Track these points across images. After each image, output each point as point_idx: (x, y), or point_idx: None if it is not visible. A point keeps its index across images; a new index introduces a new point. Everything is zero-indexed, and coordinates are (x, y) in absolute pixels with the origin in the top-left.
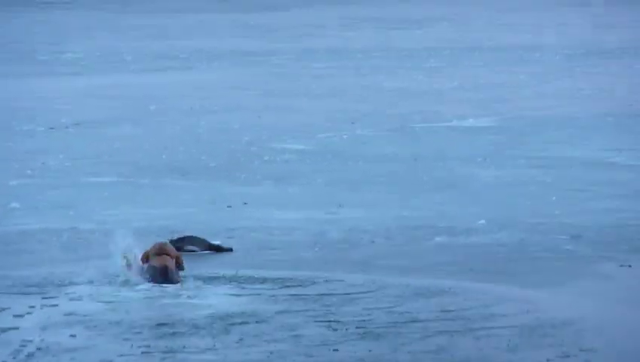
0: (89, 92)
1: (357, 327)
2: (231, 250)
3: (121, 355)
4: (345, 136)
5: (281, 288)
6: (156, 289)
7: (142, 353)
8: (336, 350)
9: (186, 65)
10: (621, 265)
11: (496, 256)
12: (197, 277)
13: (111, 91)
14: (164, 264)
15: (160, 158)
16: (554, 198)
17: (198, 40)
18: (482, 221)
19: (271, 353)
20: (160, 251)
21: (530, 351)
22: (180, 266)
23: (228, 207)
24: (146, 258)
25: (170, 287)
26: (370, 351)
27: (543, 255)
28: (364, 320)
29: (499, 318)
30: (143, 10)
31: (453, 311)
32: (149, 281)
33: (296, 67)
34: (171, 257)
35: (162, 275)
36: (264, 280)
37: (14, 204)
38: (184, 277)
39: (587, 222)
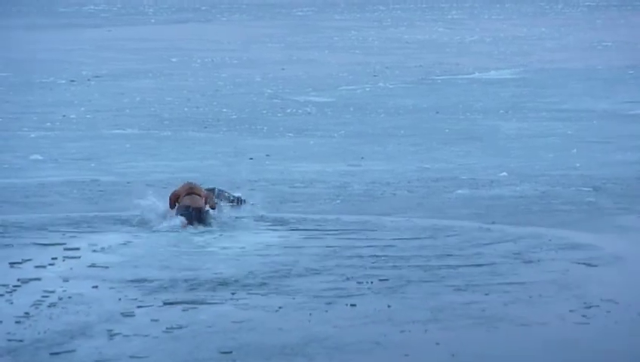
0: (110, 44)
1: (380, 280)
2: (244, 201)
3: (142, 306)
4: (367, 89)
5: (304, 238)
6: (183, 236)
7: (164, 304)
8: (354, 305)
9: (207, 17)
10: None
11: (517, 208)
12: (222, 224)
13: (132, 44)
14: (197, 205)
15: (181, 111)
16: (575, 150)
17: None
18: (504, 173)
19: (279, 308)
20: (190, 191)
21: (554, 303)
22: (211, 206)
23: (250, 159)
24: (175, 198)
25: (197, 233)
26: (389, 306)
27: (565, 207)
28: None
29: (524, 271)
30: None
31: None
32: (181, 222)
33: (318, 20)
34: (201, 197)
35: (196, 216)
36: (287, 229)
37: (35, 156)
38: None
39: (608, 175)
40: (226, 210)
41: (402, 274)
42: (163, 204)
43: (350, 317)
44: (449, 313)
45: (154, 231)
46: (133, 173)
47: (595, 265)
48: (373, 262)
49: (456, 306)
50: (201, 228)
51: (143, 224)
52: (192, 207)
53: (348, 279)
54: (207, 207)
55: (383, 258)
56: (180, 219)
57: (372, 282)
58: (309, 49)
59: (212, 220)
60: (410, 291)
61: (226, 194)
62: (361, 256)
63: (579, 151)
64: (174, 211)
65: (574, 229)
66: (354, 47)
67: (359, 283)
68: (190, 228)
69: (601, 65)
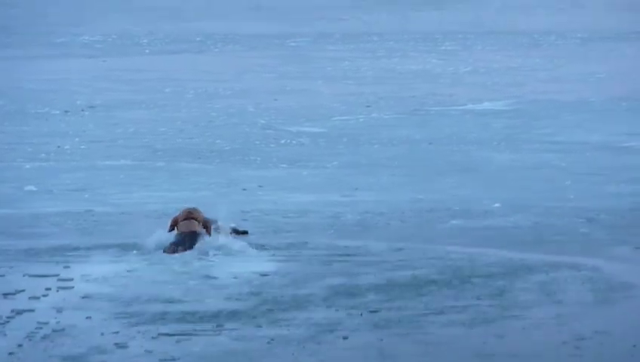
0: (104, 75)
1: (370, 311)
2: (246, 233)
3: (136, 337)
4: (360, 119)
5: (295, 267)
6: (177, 265)
7: (157, 335)
8: (346, 338)
9: (201, 48)
10: (636, 248)
11: (511, 239)
12: (216, 251)
13: (126, 74)
14: (192, 229)
15: (175, 142)
16: (568, 182)
17: (212, 22)
18: (497, 204)
19: (271, 340)
20: (188, 216)
21: (547, 335)
22: (208, 231)
23: (243, 190)
24: (174, 223)
25: (189, 263)
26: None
27: (558, 238)
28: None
29: (518, 303)
30: None
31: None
32: (177, 247)
33: (312, 50)
34: (199, 222)
35: (188, 241)
36: (280, 258)
37: (29, 187)
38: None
39: (601, 206)
40: (223, 238)
41: (395, 306)
42: (162, 231)
43: (341, 350)
44: (442, 347)
45: (148, 261)
46: (127, 204)
47: (589, 297)
48: (366, 292)
49: (449, 340)
50: (192, 252)
51: (138, 252)
52: (185, 232)
53: (337, 310)
54: (203, 231)
55: (376, 288)
56: (167, 246)
57: (362, 314)
58: (302, 79)
59: (204, 245)
60: (403, 323)
61: (226, 226)
62: (355, 286)
63: (572, 183)
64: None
65: (567, 260)
66: (347, 78)
67: (350, 314)
68: (183, 254)
69: (594, 97)
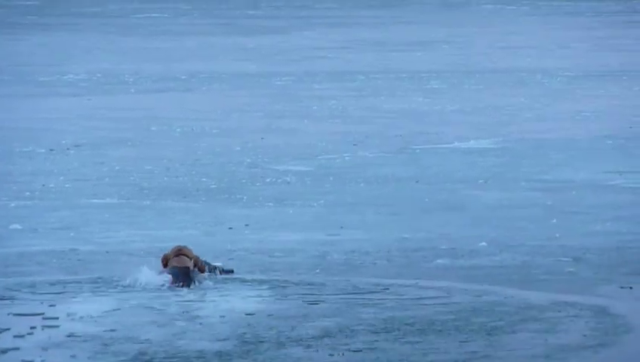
0: (90, 113)
1: (353, 351)
2: (232, 271)
3: None
4: (346, 158)
5: (280, 307)
6: (164, 303)
7: None
8: None
9: (187, 87)
10: (622, 287)
11: (497, 278)
12: (206, 289)
13: (112, 113)
14: (184, 265)
15: (161, 180)
16: (555, 221)
17: (198, 63)
18: (483, 243)
19: None
20: (178, 253)
21: None
22: (199, 268)
23: (229, 228)
24: (165, 261)
25: (178, 301)
26: None
27: (545, 277)
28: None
29: (506, 343)
30: (144, 33)
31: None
32: (170, 283)
33: (298, 89)
34: (189, 258)
35: (183, 276)
36: (263, 298)
37: (14, 226)
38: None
39: (588, 245)
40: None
41: (380, 346)
42: (148, 269)
43: None
44: None
45: (134, 300)
46: (113, 243)
47: (575, 335)
48: (351, 332)
49: None
50: (186, 289)
51: (124, 291)
52: (179, 267)
53: (321, 350)
54: (195, 269)
55: (362, 328)
56: (168, 277)
57: (343, 354)
58: (289, 118)
59: (198, 282)
60: None
61: (214, 266)
62: (341, 326)
63: (558, 222)
64: (164, 273)
65: (554, 300)
66: (333, 116)
67: (334, 354)
68: (176, 289)
69: (580, 136)
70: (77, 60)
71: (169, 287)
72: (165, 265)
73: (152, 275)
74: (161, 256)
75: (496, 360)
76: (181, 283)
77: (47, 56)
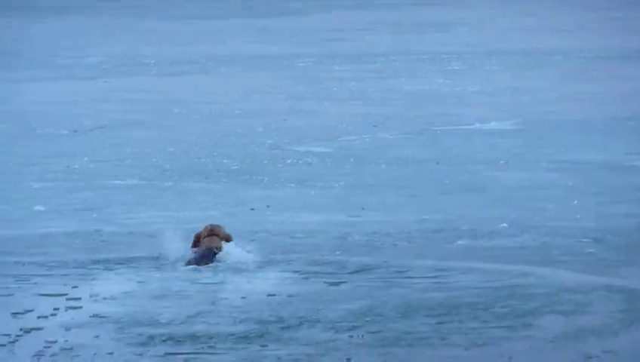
0: (111, 96)
1: (373, 332)
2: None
3: (143, 356)
4: (367, 139)
5: (302, 288)
6: (185, 284)
7: (165, 354)
8: (349, 359)
9: (206, 69)
10: None
11: (518, 259)
12: (227, 269)
13: (131, 95)
14: (210, 246)
15: (182, 161)
16: (575, 202)
17: (217, 45)
18: (504, 224)
19: (279, 359)
20: (210, 233)
21: (554, 354)
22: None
23: (250, 209)
24: (197, 239)
25: (199, 281)
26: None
27: (565, 258)
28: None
29: (526, 323)
30: (162, 16)
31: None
32: (201, 259)
33: (318, 71)
34: (220, 238)
35: (205, 257)
36: (285, 279)
37: (37, 207)
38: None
39: (608, 226)
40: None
41: (401, 327)
42: (172, 248)
43: None
44: None
45: (157, 281)
46: (135, 224)
47: (596, 317)
48: (373, 313)
49: (455, 361)
50: (202, 272)
51: (147, 271)
52: (203, 248)
53: (343, 331)
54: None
55: (384, 309)
56: (187, 260)
57: (362, 336)
58: (309, 99)
59: (222, 259)
60: (408, 345)
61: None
62: (362, 307)
63: (579, 203)
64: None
65: (574, 281)
66: (354, 98)
67: (355, 335)
68: (198, 270)
69: (600, 117)
70: (95, 43)
71: (193, 268)
72: (195, 243)
73: (174, 259)
74: (194, 235)
75: (516, 342)
76: (204, 264)
77: (66, 39)
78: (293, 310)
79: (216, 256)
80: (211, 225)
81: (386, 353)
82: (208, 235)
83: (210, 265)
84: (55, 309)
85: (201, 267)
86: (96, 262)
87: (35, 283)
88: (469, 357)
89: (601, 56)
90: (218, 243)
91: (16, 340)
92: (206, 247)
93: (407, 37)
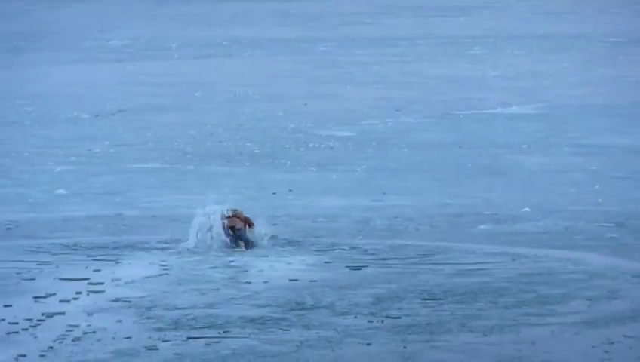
0: (133, 79)
1: (393, 318)
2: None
3: (166, 341)
4: (389, 123)
5: (324, 273)
6: (206, 268)
7: (187, 338)
8: (369, 344)
9: (229, 52)
10: None
11: (540, 243)
12: (250, 253)
13: (156, 78)
14: (232, 224)
15: (205, 145)
16: (597, 186)
17: (239, 29)
18: (526, 208)
19: (300, 343)
20: (231, 215)
21: (576, 339)
22: (248, 224)
23: (272, 193)
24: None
25: (221, 266)
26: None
27: (587, 243)
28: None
29: (547, 308)
30: (183, 0)
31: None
32: (222, 241)
33: (340, 55)
34: (241, 220)
35: (232, 234)
36: (307, 264)
37: (60, 191)
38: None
39: (631, 211)
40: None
41: (421, 312)
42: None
43: (367, 354)
44: (469, 353)
45: (178, 265)
46: (157, 208)
47: (618, 301)
48: (395, 298)
49: (475, 346)
50: (225, 256)
51: (169, 256)
52: (228, 226)
53: (364, 315)
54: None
55: (406, 294)
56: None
57: (382, 321)
58: (331, 84)
59: (250, 240)
60: (429, 330)
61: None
62: (384, 292)
63: (601, 187)
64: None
65: (596, 265)
66: (376, 82)
67: (376, 319)
68: (221, 255)
69: (623, 101)
70: (119, 27)
71: (215, 252)
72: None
73: (195, 244)
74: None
75: (537, 328)
76: (232, 243)
77: (90, 23)
78: (314, 295)
79: (238, 235)
80: (233, 210)
81: (406, 338)
82: (229, 217)
83: (233, 245)
84: (77, 293)
85: (224, 247)
86: (118, 246)
87: (57, 267)
88: (488, 343)
89: (623, 40)
90: (239, 224)
91: (39, 324)
92: (228, 227)
93: (430, 21)
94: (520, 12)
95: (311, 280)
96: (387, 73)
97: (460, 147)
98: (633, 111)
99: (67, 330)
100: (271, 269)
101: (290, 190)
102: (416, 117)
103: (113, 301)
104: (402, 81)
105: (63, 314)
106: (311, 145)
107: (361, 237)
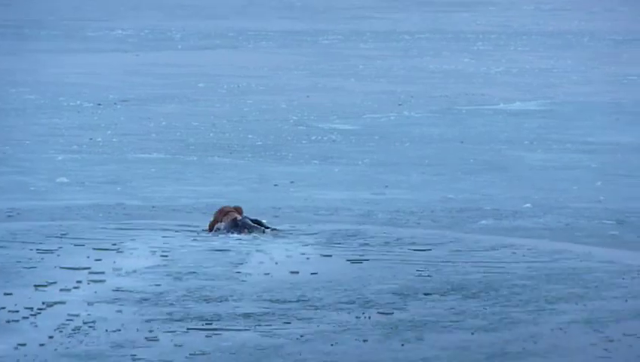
0: (137, 69)
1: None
2: (276, 229)
3: (167, 332)
4: (391, 117)
5: (325, 266)
6: (208, 259)
7: (187, 329)
8: (366, 340)
9: (234, 44)
10: None
11: (541, 240)
12: (251, 245)
13: (159, 69)
14: (232, 217)
15: (207, 136)
16: (599, 183)
17: (244, 20)
18: (528, 205)
19: (301, 336)
20: (225, 210)
21: (576, 336)
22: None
23: (274, 185)
24: (213, 225)
25: (222, 258)
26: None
27: (588, 240)
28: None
29: (546, 305)
30: None
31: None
32: (224, 233)
33: (344, 48)
34: (232, 212)
35: (233, 226)
36: (308, 257)
37: (61, 179)
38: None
39: (632, 208)
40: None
41: (411, 308)
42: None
43: (368, 349)
44: (466, 350)
45: (180, 256)
46: (159, 198)
47: (618, 300)
48: (394, 293)
49: (472, 343)
50: (226, 251)
51: (169, 246)
52: (228, 220)
53: (363, 310)
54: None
55: (405, 289)
56: (224, 225)
57: (369, 318)
58: (335, 77)
59: (248, 229)
60: (426, 326)
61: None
62: (383, 287)
63: (603, 185)
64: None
65: (597, 263)
66: (379, 76)
67: (374, 315)
68: (220, 249)
69: (626, 99)
70: (124, 16)
71: (217, 245)
72: (211, 229)
73: (196, 235)
74: (209, 222)
75: (536, 326)
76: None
77: (95, 12)
78: (315, 288)
79: (242, 224)
80: (222, 207)
81: (403, 334)
82: (224, 213)
83: (236, 235)
84: (78, 282)
85: (228, 236)
86: (119, 235)
87: (58, 256)
88: (486, 340)
89: (629, 38)
90: (235, 214)
91: (39, 313)
92: (230, 219)
93: (434, 16)
94: (526, 9)
95: (312, 273)
96: (391, 67)
97: (462, 142)
98: (636, 109)
99: (67, 319)
100: (271, 262)
101: (292, 182)
102: (419, 111)
103: (114, 290)
104: (406, 75)
105: (63, 303)
106: (313, 137)
107: (362, 230)
